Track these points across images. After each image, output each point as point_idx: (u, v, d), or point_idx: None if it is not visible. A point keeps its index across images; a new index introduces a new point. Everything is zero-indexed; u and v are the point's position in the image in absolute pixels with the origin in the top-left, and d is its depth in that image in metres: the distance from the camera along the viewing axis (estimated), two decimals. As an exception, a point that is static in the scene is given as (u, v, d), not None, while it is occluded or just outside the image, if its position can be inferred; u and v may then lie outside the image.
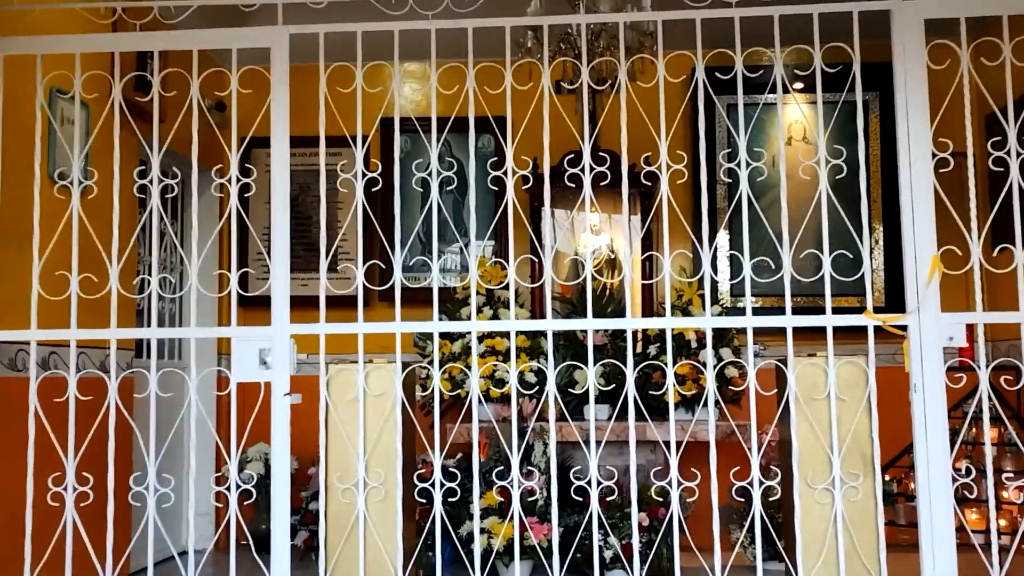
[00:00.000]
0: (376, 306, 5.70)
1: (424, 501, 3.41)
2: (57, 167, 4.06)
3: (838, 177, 3.50)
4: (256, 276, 5.68)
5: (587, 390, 3.44)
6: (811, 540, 3.36)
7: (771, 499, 3.39)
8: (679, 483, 3.31)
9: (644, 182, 3.48)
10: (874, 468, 3.33)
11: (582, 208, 3.43)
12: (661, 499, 4.28)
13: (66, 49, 3.55)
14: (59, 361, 4.03)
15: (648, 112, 3.45)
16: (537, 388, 5.02)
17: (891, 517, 5.19)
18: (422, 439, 3.52)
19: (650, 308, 5.67)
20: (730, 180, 5.78)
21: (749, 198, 3.39)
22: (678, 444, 3.34)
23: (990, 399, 3.30)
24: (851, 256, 3.42)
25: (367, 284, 3.47)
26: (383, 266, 3.60)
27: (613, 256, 5.90)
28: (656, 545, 4.37)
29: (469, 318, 3.52)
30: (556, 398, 3.46)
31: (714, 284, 6.04)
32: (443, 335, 5.27)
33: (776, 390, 3.53)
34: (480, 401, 3.49)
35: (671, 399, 3.36)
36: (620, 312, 3.45)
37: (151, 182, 3.46)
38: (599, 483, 3.34)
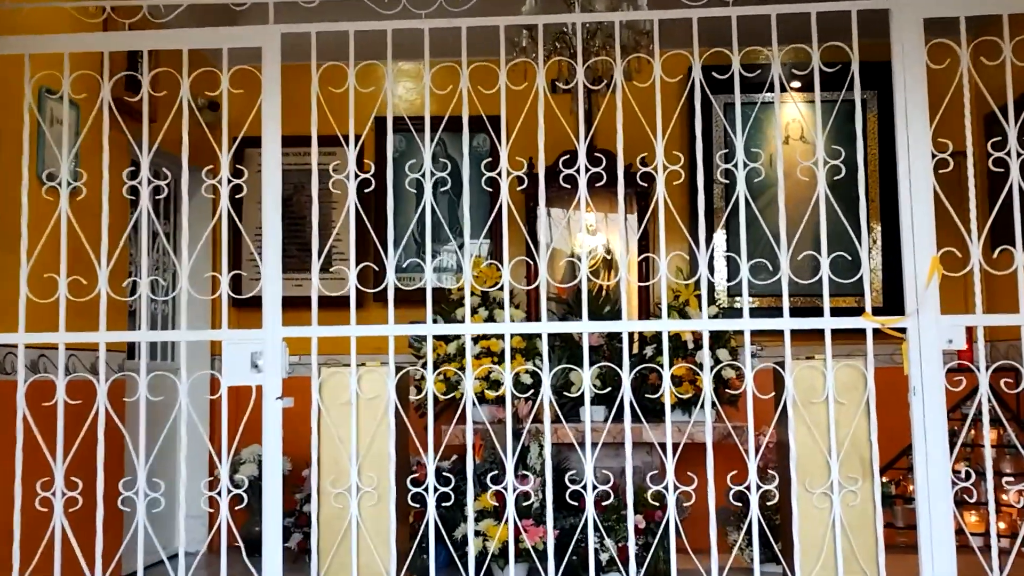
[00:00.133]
0: (371, 307, 5.66)
1: (417, 505, 3.37)
2: (46, 168, 4.01)
3: (836, 177, 3.46)
4: (249, 277, 5.64)
5: (583, 392, 3.40)
6: (809, 544, 3.33)
7: (769, 503, 3.35)
8: (675, 486, 3.28)
9: (640, 183, 3.45)
10: (873, 472, 3.30)
11: (578, 208, 3.38)
12: (657, 503, 4.24)
13: (54, 48, 3.51)
14: (48, 364, 3.99)
15: (644, 112, 3.42)
16: (533, 390, 4.99)
17: (889, 519, 5.15)
18: (415, 442, 3.48)
19: (647, 309, 5.64)
20: (727, 181, 5.75)
21: (746, 198, 3.36)
22: (675, 446, 3.31)
23: (989, 401, 3.27)
24: (849, 257, 3.38)
25: (360, 286, 3.43)
26: (376, 268, 3.55)
27: (609, 257, 5.86)
28: (653, 548, 4.33)
29: (464, 319, 3.47)
30: (551, 401, 3.43)
31: (711, 285, 6.00)
32: (438, 336, 5.23)
33: (774, 393, 3.49)
34: (474, 403, 3.45)
35: (667, 401, 3.33)
36: (617, 313, 3.42)
37: (140, 183, 3.41)
38: (595, 487, 3.30)
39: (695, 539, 3.49)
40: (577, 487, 3.35)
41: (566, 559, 3.78)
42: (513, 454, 3.37)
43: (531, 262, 5.24)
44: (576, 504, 3.52)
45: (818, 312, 3.36)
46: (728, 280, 6.05)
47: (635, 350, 5.31)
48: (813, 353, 3.43)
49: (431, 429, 3.38)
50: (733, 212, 3.41)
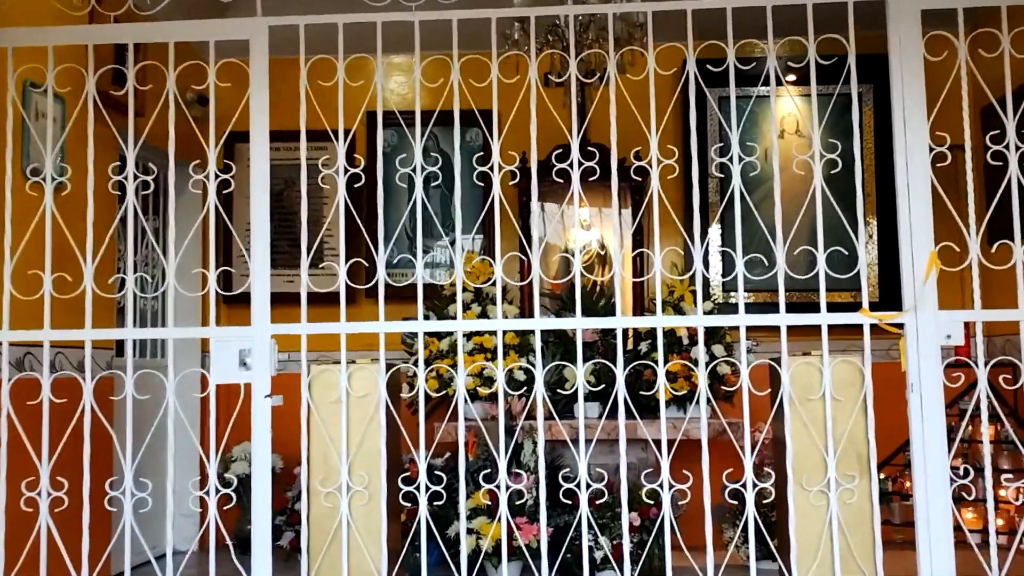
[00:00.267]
0: (363, 303, 5.60)
1: (409, 504, 3.33)
2: (31, 163, 3.95)
3: (832, 171, 3.42)
4: (240, 274, 5.58)
5: (577, 388, 3.36)
6: (806, 542, 3.29)
7: (765, 501, 3.31)
8: (671, 484, 3.24)
9: (634, 177, 3.40)
10: (870, 469, 3.26)
11: (571, 203, 3.34)
12: (652, 500, 4.21)
13: (38, 41, 3.46)
14: (34, 362, 3.93)
15: (638, 105, 3.37)
16: (526, 386, 4.95)
17: (886, 516, 5.13)
18: (407, 440, 3.44)
19: (641, 304, 5.59)
20: (722, 175, 5.71)
21: (741, 192, 3.32)
22: (670, 442, 3.27)
23: (988, 397, 3.23)
24: (846, 252, 3.35)
25: (350, 283, 3.39)
26: (367, 264, 3.51)
27: (603, 252, 5.82)
28: (648, 545, 4.30)
29: (456, 316, 3.42)
30: (544, 398, 3.38)
31: (706, 280, 5.96)
32: (431, 333, 5.19)
33: (770, 389, 3.45)
34: (466, 400, 3.41)
35: (662, 397, 3.29)
36: (611, 309, 3.38)
37: (127, 178, 3.36)
38: (588, 484, 3.27)
39: (690, 536, 3.46)
40: (571, 485, 3.31)
41: (560, 557, 3.74)
42: (506, 451, 3.33)
43: (524, 258, 5.19)
44: (570, 502, 3.48)
45: (814, 307, 3.33)
46: (723, 275, 6.02)
47: (630, 346, 5.27)
48: (809, 349, 3.39)
49: (422, 426, 3.33)
50: (728, 206, 3.38)
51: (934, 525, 3.15)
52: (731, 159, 3.34)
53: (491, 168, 3.38)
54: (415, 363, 3.41)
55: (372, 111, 3.51)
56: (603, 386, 3.64)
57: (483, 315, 5.19)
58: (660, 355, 3.32)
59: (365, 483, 3.37)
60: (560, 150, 3.44)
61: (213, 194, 3.37)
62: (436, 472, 3.45)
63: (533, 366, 3.38)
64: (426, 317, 4.72)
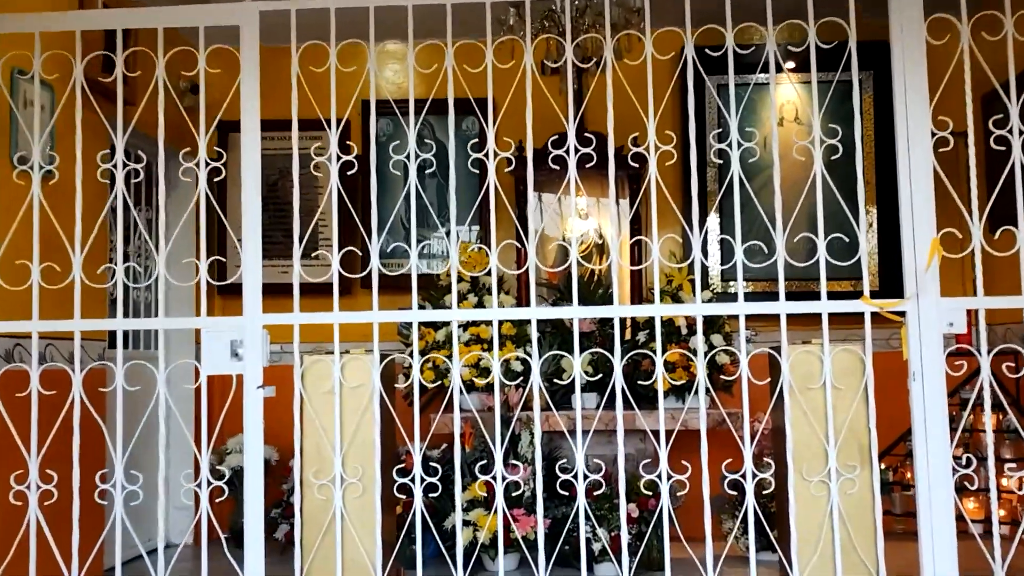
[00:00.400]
0: (359, 294, 5.57)
1: (404, 496, 3.29)
2: (18, 151, 3.89)
3: (832, 158, 3.37)
4: (235, 264, 5.53)
5: (575, 378, 3.32)
6: (806, 533, 3.25)
7: (765, 492, 3.27)
8: (669, 475, 3.20)
9: (632, 163, 3.35)
10: (872, 460, 3.22)
11: (568, 192, 3.29)
12: (650, 492, 4.17)
13: (24, 28, 3.40)
14: (24, 353, 3.89)
15: (636, 91, 3.32)
16: (523, 377, 4.91)
17: (887, 506, 5.09)
18: (402, 431, 3.39)
19: (639, 294, 5.55)
20: (720, 161, 5.65)
21: (741, 179, 3.27)
22: (668, 433, 3.23)
23: (991, 386, 3.18)
24: (847, 240, 3.30)
25: (344, 272, 3.34)
26: (360, 252, 3.46)
27: (601, 242, 5.77)
28: (647, 537, 4.27)
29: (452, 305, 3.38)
30: (541, 388, 3.34)
31: (704, 270, 5.92)
32: (427, 323, 5.14)
33: (769, 378, 3.41)
34: (462, 391, 3.36)
35: (660, 387, 3.24)
36: (609, 298, 3.34)
37: (115, 166, 3.31)
38: (586, 475, 3.23)
39: (689, 528, 3.43)
40: (568, 476, 3.27)
41: (557, 549, 3.71)
42: (502, 442, 3.28)
43: (520, 246, 5.15)
44: (567, 493, 3.44)
45: (813, 296, 3.28)
46: (722, 264, 5.97)
47: (628, 336, 5.23)
48: (808, 338, 3.35)
49: (417, 417, 3.29)
50: (727, 194, 3.33)
51: (936, 515, 3.11)
52: (730, 145, 3.30)
53: (486, 155, 3.33)
54: (411, 354, 3.36)
55: (367, 100, 3.45)
56: (600, 376, 3.60)
57: (479, 305, 5.15)
58: (658, 344, 3.28)
59: (359, 475, 3.32)
60: (556, 138, 3.39)
61: (203, 182, 3.32)
62: (433, 464, 3.42)
63: (530, 356, 3.33)
64: (422, 307, 4.67)
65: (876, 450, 3.22)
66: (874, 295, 3.26)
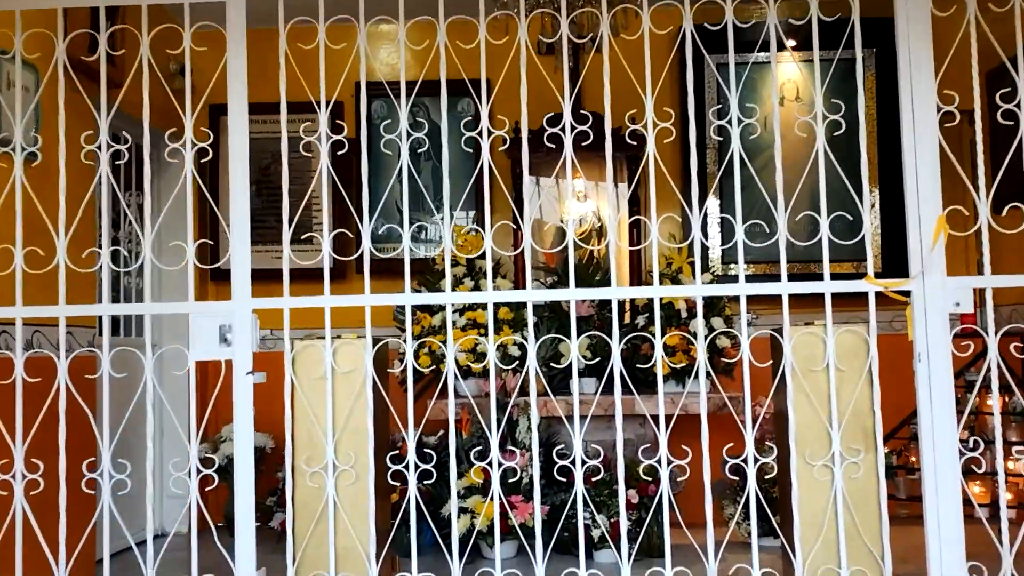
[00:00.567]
0: (354, 278, 5.49)
1: (398, 484, 3.22)
2: (1, 132, 3.80)
3: (835, 134, 3.28)
4: (226, 248, 5.47)
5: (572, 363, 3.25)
6: (809, 518, 3.19)
7: (767, 477, 3.21)
8: (669, 460, 3.13)
9: (630, 141, 3.27)
10: (876, 443, 3.15)
11: (564, 169, 3.21)
12: (650, 477, 4.11)
13: (5, 5, 3.31)
14: (10, 340, 3.82)
15: (633, 68, 3.24)
16: (520, 362, 4.85)
17: (891, 491, 5.02)
18: (396, 418, 3.32)
19: (638, 276, 5.48)
20: (720, 138, 5.56)
21: (741, 157, 3.19)
22: (668, 417, 3.16)
23: (998, 367, 3.11)
24: (850, 218, 3.23)
25: (338, 256, 3.27)
26: (350, 234, 3.38)
27: (600, 223, 5.69)
28: (647, 523, 4.20)
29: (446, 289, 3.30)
30: (538, 372, 3.27)
31: (705, 251, 5.85)
32: (424, 307, 5.07)
33: (771, 361, 3.34)
34: (457, 376, 3.29)
35: (659, 371, 3.17)
36: (607, 281, 3.27)
37: (99, 148, 3.23)
38: (583, 461, 3.16)
39: (690, 513, 3.37)
40: (566, 462, 3.20)
41: (555, 536, 3.65)
42: (498, 428, 3.21)
43: (517, 228, 5.07)
44: (566, 480, 3.38)
45: (815, 278, 3.20)
46: (722, 244, 5.90)
47: (627, 320, 5.16)
48: (810, 321, 3.28)
49: (411, 403, 3.22)
50: (727, 174, 3.25)
51: (943, 499, 3.04)
52: (730, 122, 3.22)
53: (479, 133, 3.25)
54: (406, 340, 3.28)
55: (363, 82, 3.37)
56: (599, 360, 3.53)
57: (476, 289, 5.08)
58: (657, 327, 3.20)
59: (352, 462, 3.25)
60: (552, 115, 3.31)
61: (189, 163, 3.24)
62: (429, 450, 3.35)
63: (527, 340, 3.26)
64: (418, 291, 4.60)
65: (881, 433, 3.15)
66: (877, 277, 3.19)
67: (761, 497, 3.20)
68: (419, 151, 5.88)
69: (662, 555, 3.18)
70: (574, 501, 3.19)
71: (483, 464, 3.24)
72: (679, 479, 3.35)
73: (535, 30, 4.56)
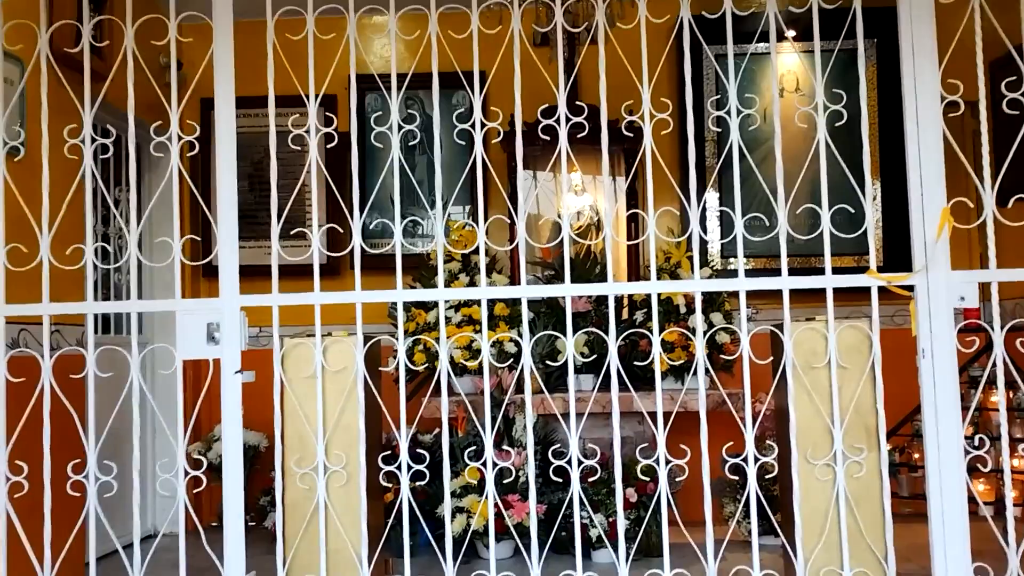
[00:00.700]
0: (347, 275, 5.39)
1: (390, 485, 3.15)
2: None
3: (836, 125, 3.22)
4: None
5: (568, 360, 3.18)
6: (810, 517, 3.12)
7: (767, 476, 3.14)
8: (667, 458, 3.07)
9: (627, 133, 3.20)
10: (879, 441, 3.08)
11: (559, 162, 3.14)
12: (648, 476, 4.05)
13: (-16, -3, 3.24)
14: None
15: (630, 58, 3.17)
16: (516, 359, 4.78)
17: (894, 488, 4.95)
18: (388, 417, 3.25)
19: (636, 271, 5.41)
20: (719, 130, 5.49)
21: (741, 149, 3.12)
22: (666, 415, 3.10)
23: (1004, 363, 3.05)
24: (851, 211, 3.16)
25: (331, 253, 3.21)
26: (341, 230, 3.31)
27: (597, 218, 5.62)
28: (645, 522, 4.14)
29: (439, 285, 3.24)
30: (533, 370, 3.20)
31: (704, 245, 5.78)
32: (418, 304, 5.00)
33: (772, 357, 3.27)
34: (450, 374, 3.22)
35: (657, 368, 3.11)
36: (605, 277, 3.21)
37: (83, 141, 3.15)
38: (580, 460, 3.09)
39: (689, 512, 3.32)
40: (562, 462, 3.13)
41: (552, 536, 3.58)
42: (493, 426, 3.15)
43: (512, 222, 5.00)
44: (563, 479, 3.32)
45: (814, 272, 3.14)
46: (721, 238, 5.83)
47: (625, 316, 5.09)
48: (812, 316, 3.21)
49: (403, 401, 3.15)
50: (726, 166, 3.19)
51: (947, 498, 2.98)
52: (729, 113, 3.16)
53: (472, 125, 3.18)
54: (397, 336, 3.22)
55: (358, 75, 3.30)
56: (596, 356, 3.46)
57: (472, 285, 5.01)
58: (655, 322, 3.14)
59: (343, 463, 3.19)
60: (547, 107, 3.25)
61: (175, 156, 3.17)
62: (423, 450, 3.29)
63: (523, 337, 3.20)
64: (412, 288, 4.53)
65: (884, 431, 3.09)
66: (879, 271, 3.12)
67: (761, 496, 3.14)
68: (411, 143, 5.81)
69: (661, 554, 3.13)
70: (571, 500, 3.13)
71: (477, 465, 3.18)
72: (678, 478, 3.29)
73: (529, 20, 4.49)
